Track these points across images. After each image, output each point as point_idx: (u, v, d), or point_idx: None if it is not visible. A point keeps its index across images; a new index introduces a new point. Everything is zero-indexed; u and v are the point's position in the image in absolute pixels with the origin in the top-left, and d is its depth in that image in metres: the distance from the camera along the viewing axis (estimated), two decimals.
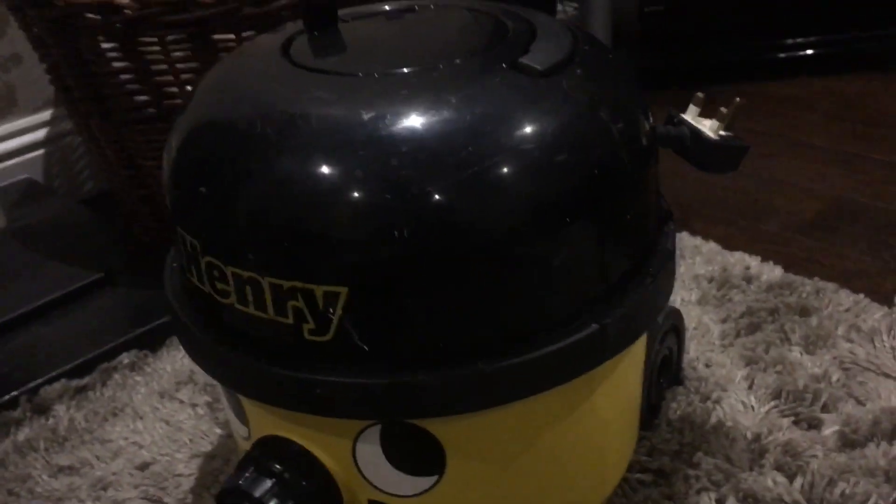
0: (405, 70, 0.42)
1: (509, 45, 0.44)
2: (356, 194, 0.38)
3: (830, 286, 0.71)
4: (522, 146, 0.39)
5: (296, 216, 0.39)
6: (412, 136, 0.38)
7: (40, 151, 1.02)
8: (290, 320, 0.40)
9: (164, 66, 0.71)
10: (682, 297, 0.72)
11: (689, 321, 0.68)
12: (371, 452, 0.44)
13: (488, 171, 0.38)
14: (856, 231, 0.82)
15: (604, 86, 0.44)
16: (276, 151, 0.39)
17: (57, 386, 0.68)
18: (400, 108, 0.39)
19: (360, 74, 0.42)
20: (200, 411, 0.65)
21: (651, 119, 0.46)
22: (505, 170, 0.39)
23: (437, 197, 0.38)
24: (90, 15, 0.68)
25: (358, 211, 0.38)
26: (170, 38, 0.69)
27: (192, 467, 0.60)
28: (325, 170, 0.38)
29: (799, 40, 1.18)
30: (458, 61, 0.43)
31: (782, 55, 1.19)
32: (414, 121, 0.39)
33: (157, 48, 0.70)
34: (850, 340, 0.65)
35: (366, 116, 0.39)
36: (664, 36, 1.19)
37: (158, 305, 0.74)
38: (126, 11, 0.66)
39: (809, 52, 1.18)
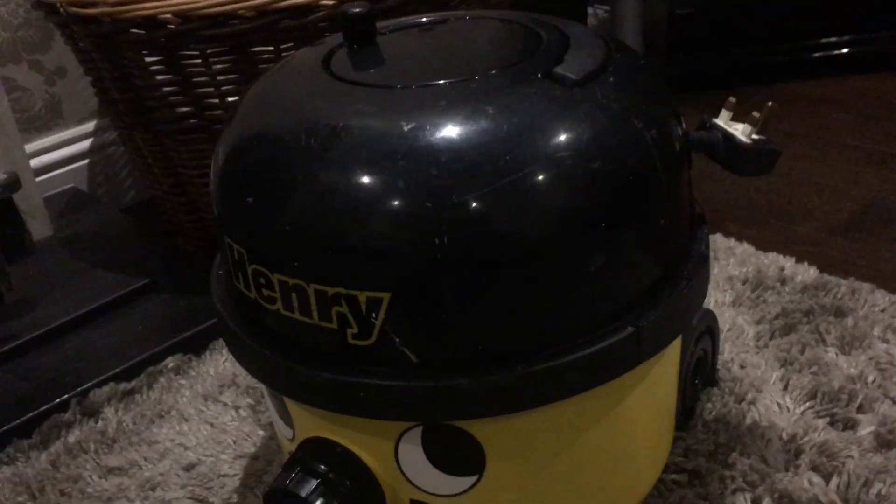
0: (443, 82, 0.43)
1: (543, 55, 0.45)
2: (397, 203, 0.39)
3: (866, 286, 0.71)
4: (558, 155, 0.40)
5: (340, 225, 0.40)
6: (451, 146, 0.40)
7: (84, 161, 1.04)
8: (335, 325, 0.42)
9: (205, 79, 0.73)
10: (716, 298, 0.72)
11: (724, 323, 0.69)
12: (413, 453, 0.45)
13: (525, 179, 0.40)
14: (891, 232, 0.82)
15: (636, 94, 0.45)
16: (320, 162, 0.41)
17: (105, 389, 0.70)
18: (438, 119, 0.40)
19: (399, 86, 0.44)
20: (243, 413, 0.67)
21: (684, 125, 0.47)
22: (541, 178, 0.40)
23: (475, 205, 0.39)
24: (135, 30, 0.70)
25: (399, 219, 0.39)
26: (210, 51, 0.71)
27: (236, 468, 0.62)
28: (367, 180, 0.40)
29: (831, 40, 1.18)
30: (493, 72, 0.44)
31: (814, 55, 1.19)
32: (452, 131, 0.40)
33: (198, 61, 0.72)
34: (886, 341, 0.65)
35: (406, 127, 0.40)
36: (694, 38, 1.19)
37: (201, 311, 0.77)
38: (169, 26, 0.68)
39: (842, 51, 1.18)
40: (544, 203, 0.40)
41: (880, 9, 1.16)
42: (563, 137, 0.41)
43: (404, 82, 0.44)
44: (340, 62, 0.48)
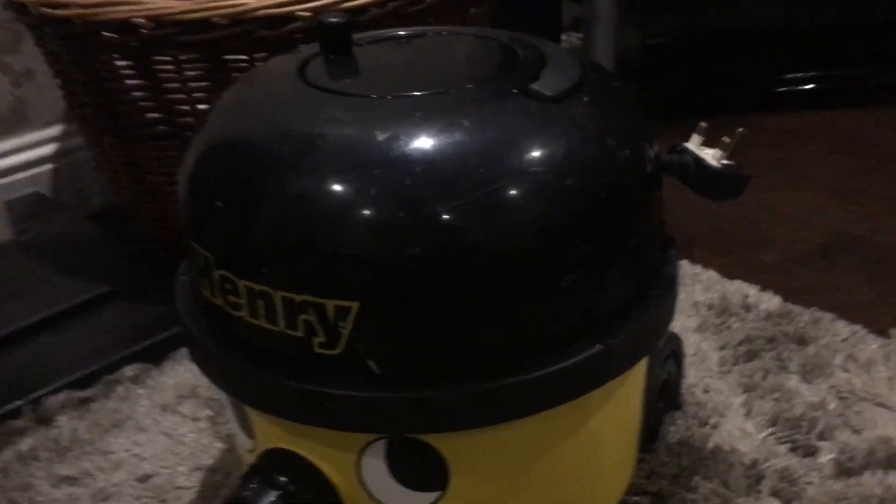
0: (419, 93, 0.43)
1: (520, 72, 0.45)
2: (370, 212, 0.39)
3: (828, 316, 0.72)
4: (532, 169, 0.40)
5: (310, 232, 0.40)
6: (425, 157, 0.40)
7: (49, 166, 1.03)
8: (301, 333, 0.41)
9: (177, 85, 0.72)
10: (681, 323, 0.73)
11: (689, 347, 0.69)
12: (376, 467, 0.44)
13: (499, 192, 0.40)
14: (854, 263, 0.83)
15: (611, 113, 0.45)
16: (293, 169, 0.40)
17: (61, 397, 0.68)
18: (414, 130, 0.40)
19: (375, 96, 0.43)
20: (202, 425, 0.66)
21: (656, 147, 0.48)
22: (514, 192, 0.40)
23: (448, 216, 0.39)
24: (107, 34, 0.69)
25: (371, 228, 0.39)
26: (183, 57, 0.70)
27: (192, 480, 0.61)
28: (339, 188, 0.40)
29: (801, 74, 1.20)
30: (470, 86, 0.44)
31: (784, 88, 1.21)
32: (427, 142, 0.40)
33: (170, 67, 0.71)
34: (847, 370, 0.66)
35: (380, 137, 0.40)
36: (667, 67, 1.21)
37: (163, 319, 0.75)
38: (142, 31, 0.68)
39: (811, 86, 1.20)
40: (516, 217, 0.40)
41: (848, 46, 1.19)
42: (537, 152, 0.41)
43: (380, 93, 0.44)
44: (315, 71, 0.47)
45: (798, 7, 1.27)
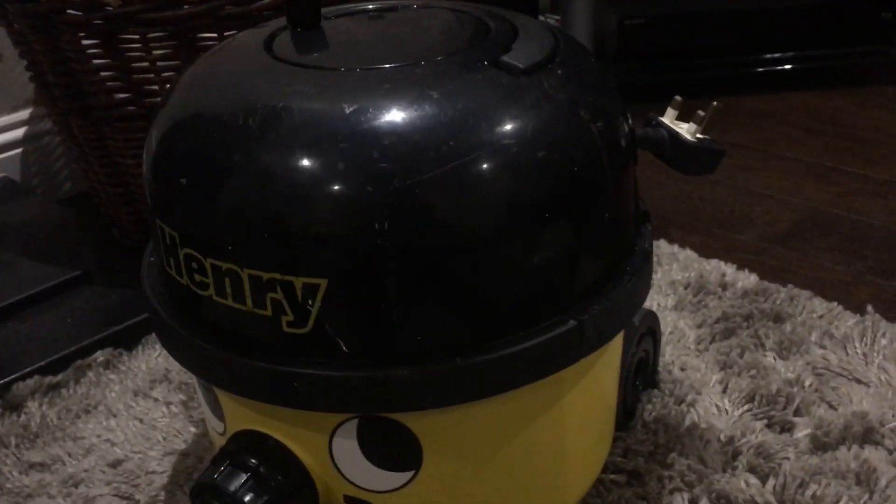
0: (387, 66, 0.42)
1: (491, 44, 0.44)
2: (337, 186, 0.38)
3: (804, 294, 0.72)
4: (503, 142, 0.40)
5: (277, 207, 0.39)
6: (394, 130, 0.39)
7: (18, 150, 1.01)
8: (269, 312, 0.40)
9: (145, 64, 0.71)
10: (658, 302, 0.72)
11: (666, 326, 0.69)
12: (347, 447, 0.44)
13: (468, 166, 0.39)
14: (830, 241, 0.83)
15: (583, 86, 0.44)
16: (259, 143, 0.39)
17: (30, 382, 0.67)
18: (382, 102, 0.39)
19: (343, 69, 0.42)
20: (175, 409, 0.65)
21: (630, 121, 0.47)
22: (485, 165, 0.39)
23: (417, 191, 0.38)
24: (72, 11, 0.68)
25: (339, 203, 0.38)
26: (151, 35, 0.69)
27: (164, 465, 0.60)
28: (306, 162, 0.39)
29: (777, 55, 1.20)
30: (440, 58, 0.43)
31: (761, 70, 1.21)
32: (395, 115, 0.39)
33: (138, 45, 0.70)
34: (823, 347, 0.66)
35: (348, 110, 0.39)
36: (644, 49, 1.20)
37: (135, 304, 0.74)
38: (108, 8, 0.66)
39: (787, 67, 1.20)
40: (487, 191, 0.39)
41: (823, 27, 1.19)
42: (508, 125, 0.40)
43: (348, 65, 0.43)
44: (283, 44, 0.46)
45: None
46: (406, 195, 0.38)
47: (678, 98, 0.50)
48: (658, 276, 0.76)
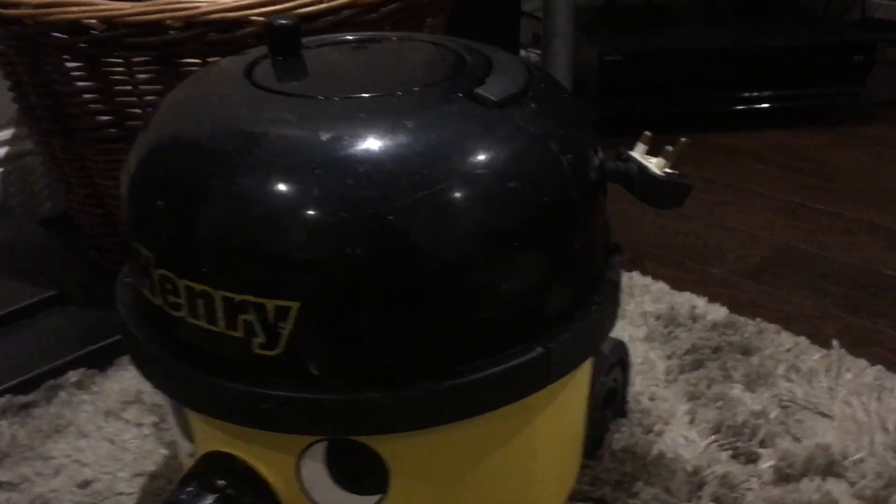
0: (365, 95, 0.43)
1: (467, 77, 0.46)
2: (312, 211, 0.39)
3: (772, 327, 0.73)
4: (475, 172, 0.41)
5: (251, 231, 0.39)
6: (369, 158, 0.40)
7: None
8: (241, 334, 0.41)
9: (128, 88, 0.71)
10: (630, 333, 0.73)
11: (636, 356, 0.70)
12: (315, 470, 0.44)
13: (441, 194, 0.40)
14: (799, 277, 0.85)
15: (556, 119, 0.45)
16: (235, 167, 0.40)
17: (1, 401, 0.67)
18: (358, 131, 0.40)
19: (321, 97, 0.43)
20: (146, 431, 0.65)
21: (601, 154, 0.48)
22: (457, 194, 0.40)
23: (390, 217, 0.39)
24: (57, 34, 0.69)
25: (313, 227, 0.39)
26: (135, 59, 0.70)
27: (134, 486, 0.60)
28: (282, 187, 0.39)
29: (753, 94, 1.23)
30: (416, 89, 0.44)
31: (737, 108, 1.24)
32: (371, 143, 0.40)
33: (121, 69, 0.70)
34: (790, 380, 0.67)
35: (324, 137, 0.40)
36: (623, 84, 1.23)
37: (109, 325, 0.74)
38: (93, 32, 0.67)
39: (763, 105, 1.23)
40: (459, 219, 0.40)
41: (798, 68, 1.22)
42: (480, 156, 0.41)
43: (325, 93, 0.44)
44: (263, 72, 0.47)
45: (747, 30, 1.31)
46: (379, 222, 0.39)
47: (648, 133, 0.51)
48: (630, 308, 0.77)
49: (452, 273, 0.40)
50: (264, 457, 0.44)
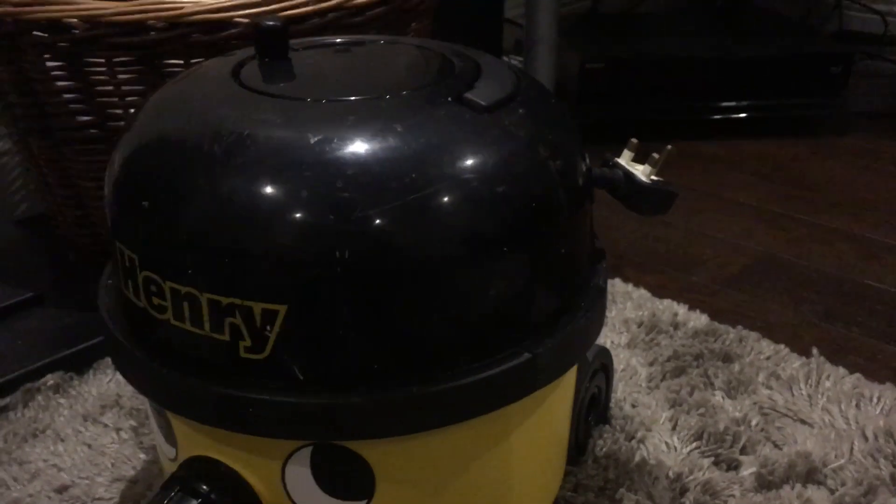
0: (353, 98, 0.43)
1: (455, 81, 0.46)
2: (300, 214, 0.39)
3: (753, 335, 0.73)
4: (463, 176, 0.41)
5: (238, 233, 0.39)
6: (357, 161, 0.39)
7: None
8: (227, 337, 0.40)
9: (109, 88, 0.71)
10: (612, 339, 0.74)
11: (618, 363, 0.70)
12: (300, 475, 0.44)
13: (429, 198, 0.40)
14: (779, 285, 0.86)
15: (543, 124, 0.45)
16: (222, 169, 0.40)
17: None
18: (346, 133, 0.40)
19: (309, 99, 0.43)
20: (125, 436, 0.64)
21: (587, 160, 0.48)
22: (445, 198, 0.40)
23: (378, 220, 0.39)
24: (38, 33, 0.68)
25: (301, 230, 0.39)
26: (116, 59, 0.69)
27: (112, 491, 0.59)
28: (269, 189, 0.39)
29: (732, 104, 1.24)
30: (404, 93, 0.44)
31: (716, 117, 1.25)
32: (359, 146, 0.40)
33: (103, 69, 0.70)
34: (770, 387, 0.67)
35: (313, 139, 0.40)
36: (603, 91, 1.23)
37: (87, 328, 0.73)
38: (74, 31, 0.66)
39: (742, 115, 1.24)
40: (447, 223, 0.40)
41: (777, 79, 1.23)
42: (468, 160, 0.41)
43: (314, 96, 0.43)
44: (250, 73, 0.47)
45: (727, 40, 1.32)
46: (367, 224, 0.39)
47: (634, 140, 0.51)
48: (612, 314, 0.77)
49: (439, 277, 0.40)
50: (248, 462, 0.44)
